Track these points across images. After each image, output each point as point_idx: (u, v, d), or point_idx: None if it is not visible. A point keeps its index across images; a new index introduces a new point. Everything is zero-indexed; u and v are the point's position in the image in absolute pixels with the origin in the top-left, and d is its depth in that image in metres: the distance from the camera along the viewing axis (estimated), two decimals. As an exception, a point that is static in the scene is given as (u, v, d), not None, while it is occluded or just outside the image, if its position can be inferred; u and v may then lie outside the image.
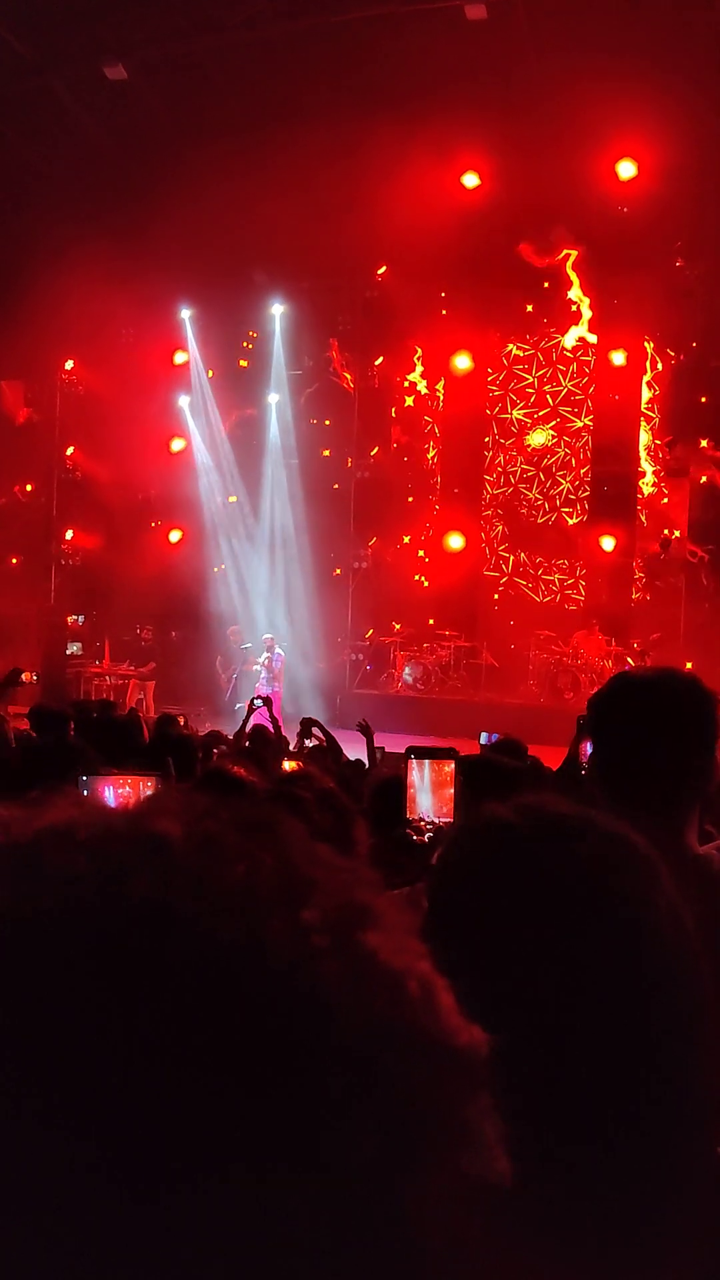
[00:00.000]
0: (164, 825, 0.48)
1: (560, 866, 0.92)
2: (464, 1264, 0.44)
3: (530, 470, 19.54)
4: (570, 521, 19.21)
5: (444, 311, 18.93)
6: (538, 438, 19.44)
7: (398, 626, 19.29)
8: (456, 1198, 0.44)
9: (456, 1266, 0.44)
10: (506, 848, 0.95)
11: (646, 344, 18.03)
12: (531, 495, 19.54)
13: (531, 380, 19.52)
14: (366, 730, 7.80)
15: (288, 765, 8.01)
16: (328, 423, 20.12)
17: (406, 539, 20.15)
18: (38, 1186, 0.40)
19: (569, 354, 19.19)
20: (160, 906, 0.44)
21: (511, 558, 19.69)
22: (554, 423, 19.47)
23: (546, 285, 18.23)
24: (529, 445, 19.51)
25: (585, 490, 19.09)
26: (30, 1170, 0.40)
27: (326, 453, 20.19)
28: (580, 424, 19.23)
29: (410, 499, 20.26)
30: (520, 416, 19.64)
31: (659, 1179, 0.87)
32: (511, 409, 19.72)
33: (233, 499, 20.26)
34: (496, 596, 19.76)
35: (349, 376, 19.91)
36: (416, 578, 20.07)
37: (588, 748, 3.08)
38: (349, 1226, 0.42)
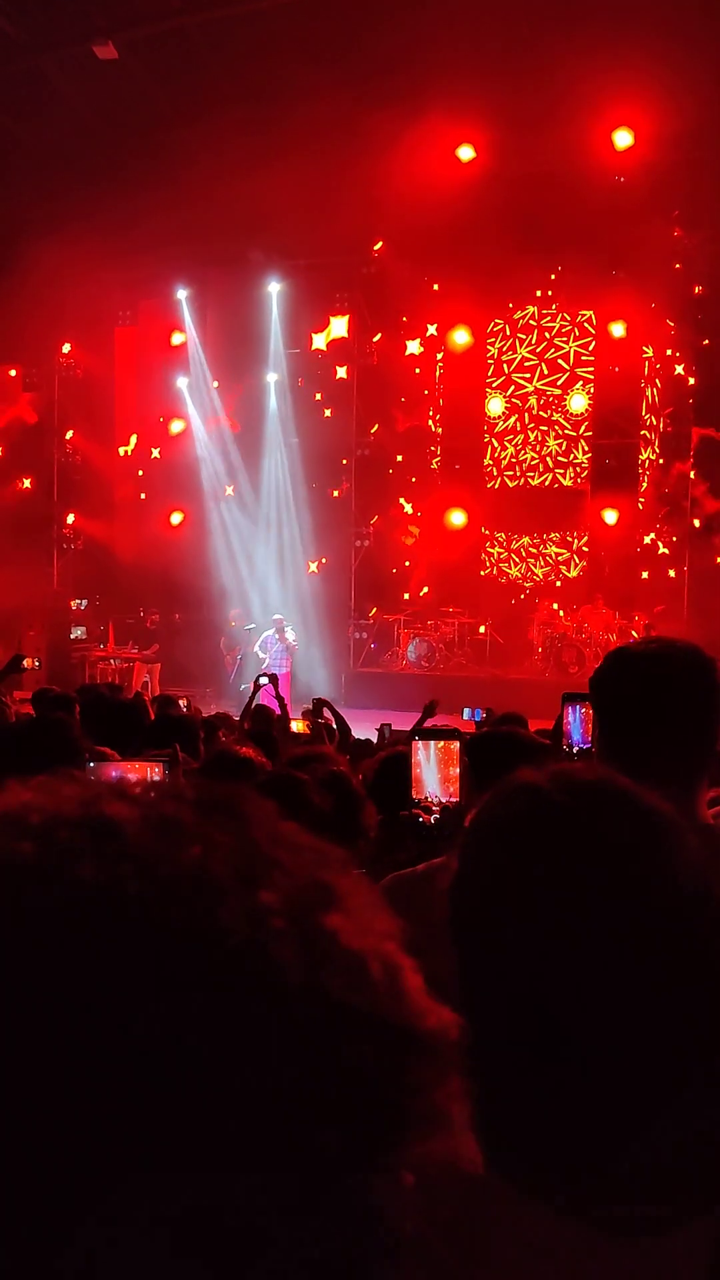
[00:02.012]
0: (116, 808, 0.47)
1: (592, 830, 0.95)
2: (435, 1252, 0.43)
3: (531, 445, 19.45)
4: (571, 493, 19.14)
5: (441, 286, 18.82)
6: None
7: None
8: (426, 1186, 0.43)
9: (428, 1256, 0.43)
10: (540, 811, 0.97)
11: (647, 313, 17.93)
12: (525, 467, 19.46)
13: (529, 352, 19.40)
14: (332, 709, 8.04)
15: (295, 726, 8.08)
16: (326, 402, 20.04)
17: (409, 513, 20.12)
18: None
19: (568, 326, 19.09)
20: (107, 891, 0.43)
21: (514, 533, 19.62)
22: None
23: (542, 257, 18.12)
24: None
25: (587, 463, 19.03)
26: None
27: (326, 431, 20.12)
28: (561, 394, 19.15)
29: (412, 477, 20.21)
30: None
31: (691, 1133, 0.89)
32: (512, 382, 19.62)
33: (229, 491, 20.20)
34: (497, 572, 19.72)
35: (347, 353, 19.82)
36: (405, 547, 20.04)
37: (570, 720, 3.08)
38: (312, 1220, 0.41)
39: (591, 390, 18.94)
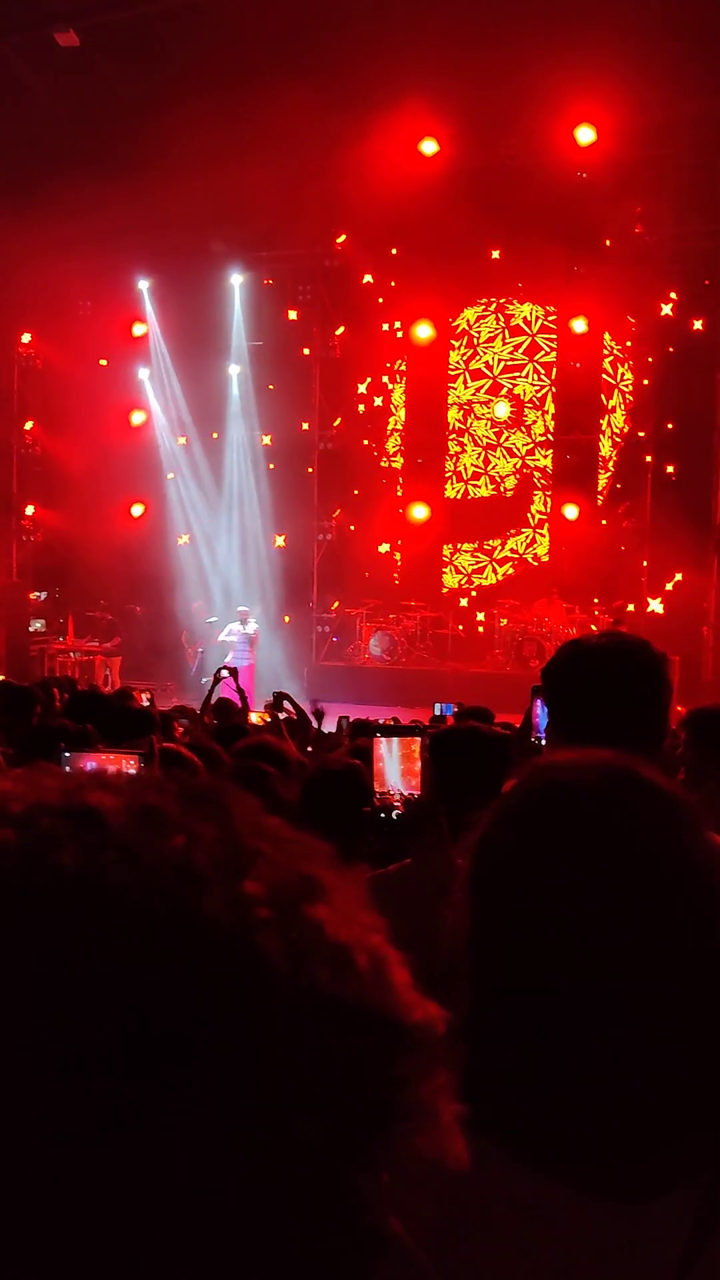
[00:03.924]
0: (99, 798, 0.47)
1: (613, 812, 0.98)
2: (420, 1251, 0.43)
3: (491, 439, 19.50)
4: (535, 476, 19.23)
5: (404, 280, 18.83)
6: (501, 408, 19.43)
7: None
8: (411, 1182, 0.43)
9: (412, 1254, 0.43)
10: (562, 795, 1.00)
11: (608, 309, 18.03)
12: (492, 463, 19.52)
13: (490, 347, 19.45)
14: (293, 702, 8.20)
15: (254, 718, 8.12)
16: (289, 395, 19.99)
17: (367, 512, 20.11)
18: None
19: (530, 321, 19.16)
20: (88, 878, 0.43)
21: (472, 535, 19.64)
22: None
23: (504, 252, 18.18)
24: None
25: (548, 458, 19.11)
26: None
27: (289, 424, 20.08)
28: (534, 390, 19.21)
29: (373, 469, 20.21)
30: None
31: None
32: (473, 379, 19.65)
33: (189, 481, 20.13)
34: (457, 574, 19.77)
35: (309, 347, 19.80)
36: (382, 549, 20.05)
37: (538, 712, 3.11)
38: (294, 1214, 0.41)
39: (550, 391, 19.02)
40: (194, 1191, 0.39)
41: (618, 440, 18.68)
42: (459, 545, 19.57)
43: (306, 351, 19.80)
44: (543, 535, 19.15)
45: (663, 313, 17.41)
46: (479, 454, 19.48)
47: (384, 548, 19.98)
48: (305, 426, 19.92)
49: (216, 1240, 0.40)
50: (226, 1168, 0.40)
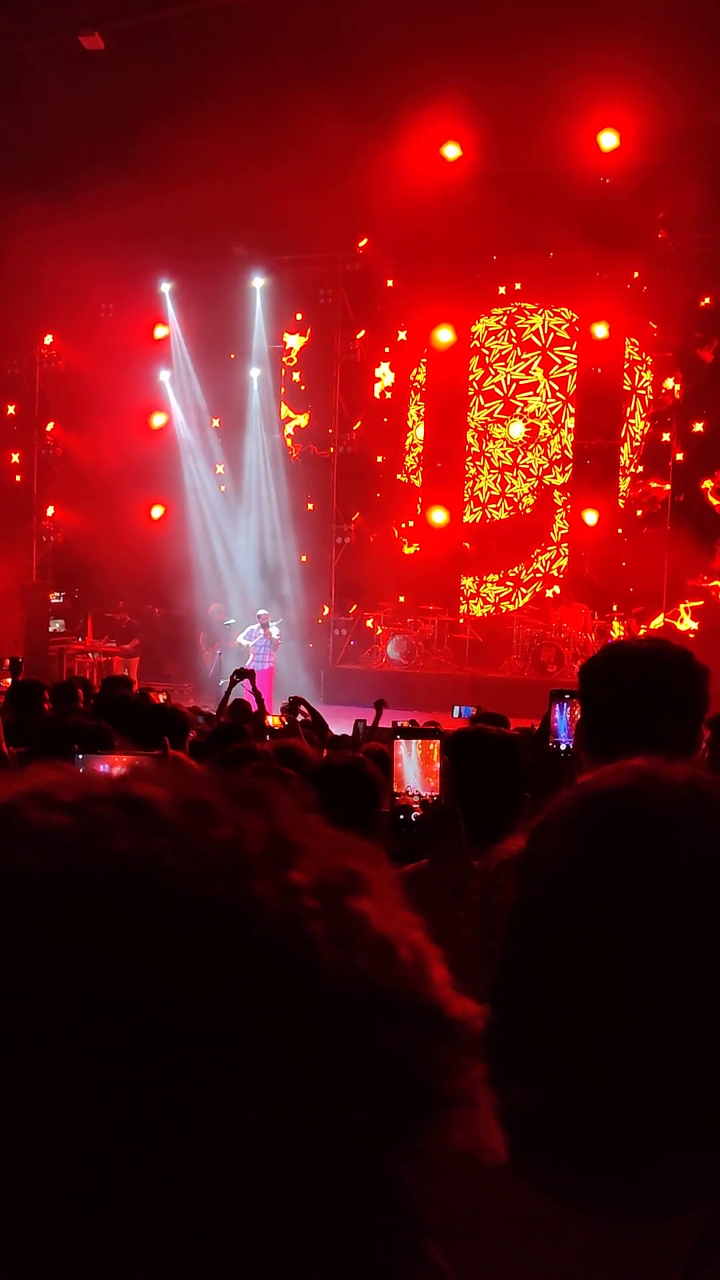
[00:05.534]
0: (145, 788, 0.48)
1: (706, 838, 0.95)
2: (455, 1241, 0.43)
3: (507, 461, 19.46)
4: (554, 494, 19.18)
5: (425, 284, 18.82)
6: (516, 429, 19.36)
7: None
8: (448, 1172, 0.44)
9: (447, 1244, 0.43)
10: (647, 814, 0.96)
11: (630, 314, 17.98)
12: (510, 467, 19.48)
13: (502, 365, 19.41)
14: (308, 706, 8.25)
15: (271, 721, 8.15)
16: (309, 396, 20.03)
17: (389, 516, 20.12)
18: (24, 1146, 0.40)
19: (543, 334, 19.12)
20: (143, 862, 0.44)
21: (494, 553, 19.58)
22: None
23: (526, 257, 18.15)
24: (508, 435, 19.43)
25: (568, 464, 19.06)
26: (17, 1130, 0.40)
27: (309, 428, 20.12)
28: (558, 399, 19.17)
29: (393, 475, 20.20)
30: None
31: None
32: (487, 400, 19.62)
33: (220, 488, 20.21)
34: (475, 585, 19.74)
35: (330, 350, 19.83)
36: (408, 548, 20.02)
37: (556, 716, 3.10)
38: (333, 1198, 0.41)
39: (566, 408, 18.98)
40: (244, 1172, 0.40)
41: (639, 445, 18.61)
42: (484, 576, 19.50)
43: (326, 355, 19.85)
44: (566, 548, 19.07)
45: (685, 316, 17.38)
46: (495, 477, 19.43)
47: (408, 549, 19.93)
48: (325, 430, 19.96)
49: (262, 1224, 0.40)
50: (277, 1149, 0.41)
